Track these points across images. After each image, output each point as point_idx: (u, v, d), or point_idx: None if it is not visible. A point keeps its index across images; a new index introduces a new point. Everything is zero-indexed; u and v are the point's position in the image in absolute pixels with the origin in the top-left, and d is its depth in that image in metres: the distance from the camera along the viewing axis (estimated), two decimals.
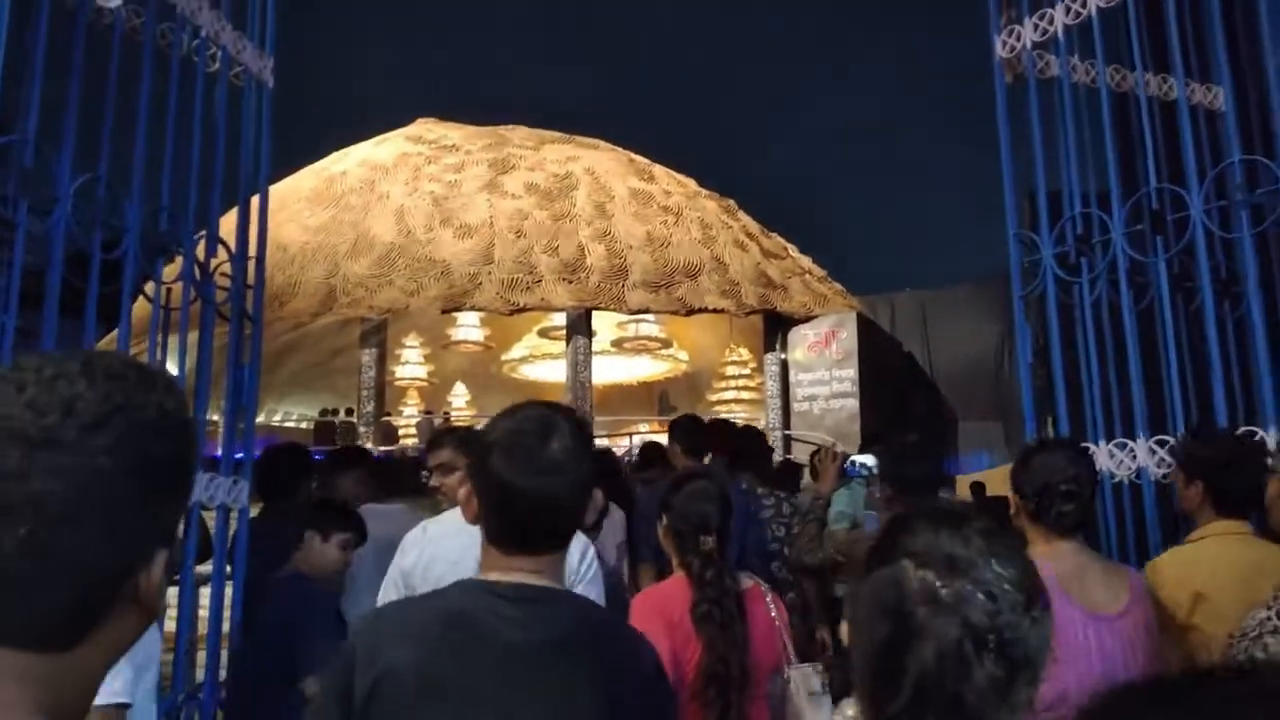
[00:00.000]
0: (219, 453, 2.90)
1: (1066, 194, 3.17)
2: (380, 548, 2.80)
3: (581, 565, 2.56)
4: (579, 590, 2.10)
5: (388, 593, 2.48)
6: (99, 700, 1.70)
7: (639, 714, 1.43)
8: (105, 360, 0.72)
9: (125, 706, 1.84)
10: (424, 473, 3.13)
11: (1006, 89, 3.26)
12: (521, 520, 1.44)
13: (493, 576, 1.44)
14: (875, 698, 0.99)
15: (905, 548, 1.01)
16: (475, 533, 1.60)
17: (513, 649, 1.38)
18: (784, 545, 3.91)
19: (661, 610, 2.27)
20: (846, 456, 3.64)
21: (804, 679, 2.48)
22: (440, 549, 2.47)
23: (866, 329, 14.65)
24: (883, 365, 15.02)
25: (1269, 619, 1.49)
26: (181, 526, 2.91)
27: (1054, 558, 2.05)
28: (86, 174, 2.20)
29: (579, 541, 2.45)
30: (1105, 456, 2.85)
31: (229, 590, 2.88)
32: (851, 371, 14.07)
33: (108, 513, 0.68)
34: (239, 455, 2.93)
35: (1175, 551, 2.48)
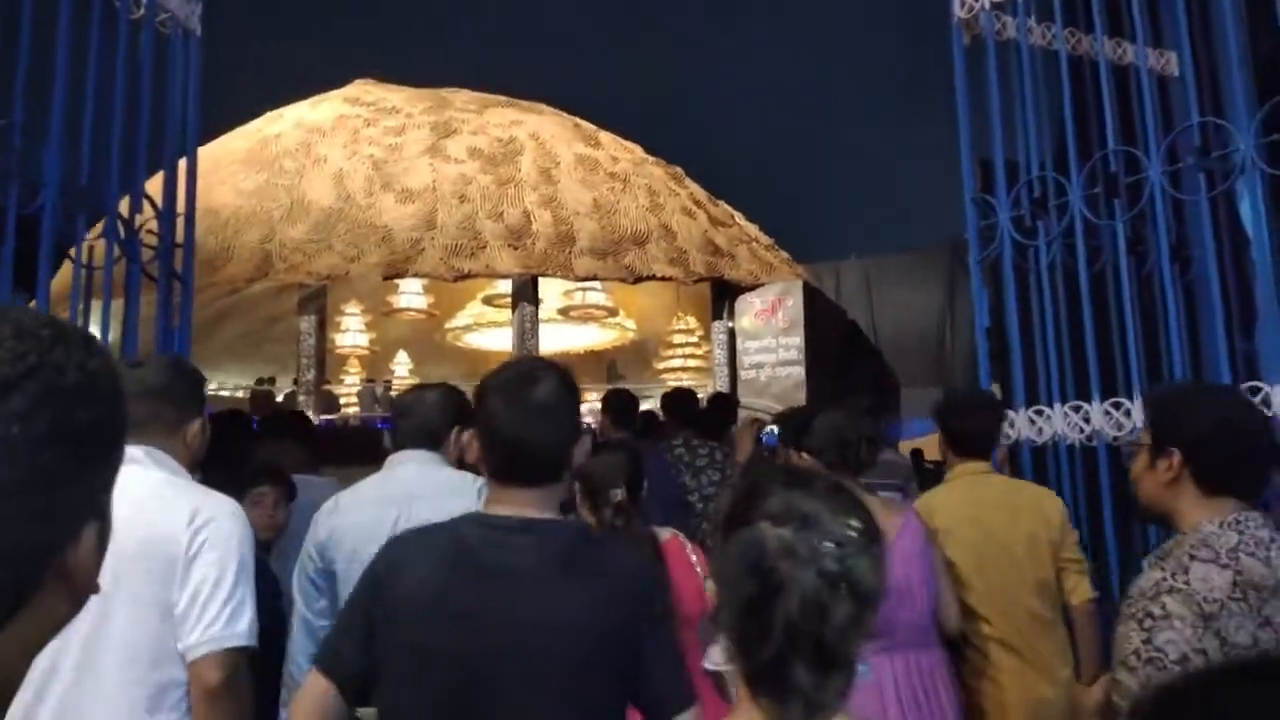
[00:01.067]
0: None
1: (1023, 157, 3.15)
2: (308, 519, 2.70)
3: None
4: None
5: (303, 568, 2.39)
6: (215, 645, 1.85)
7: (629, 624, 1.58)
8: (14, 315, 0.63)
9: (246, 650, 1.93)
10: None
11: (964, 50, 3.23)
12: (513, 454, 1.63)
13: (490, 510, 1.65)
14: (745, 648, 1.08)
15: (762, 510, 1.10)
16: (390, 500, 1.79)
17: (506, 571, 1.56)
18: (716, 491, 4.10)
19: None
20: (763, 425, 3.73)
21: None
22: (350, 520, 2.39)
23: (813, 297, 14.74)
24: (828, 333, 15.14)
25: (1164, 580, 1.57)
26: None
27: None
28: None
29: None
30: (1060, 419, 2.86)
31: None
32: (798, 339, 14.15)
33: (27, 486, 0.61)
34: None
35: (930, 492, 3.01)
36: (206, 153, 15.17)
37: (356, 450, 5.61)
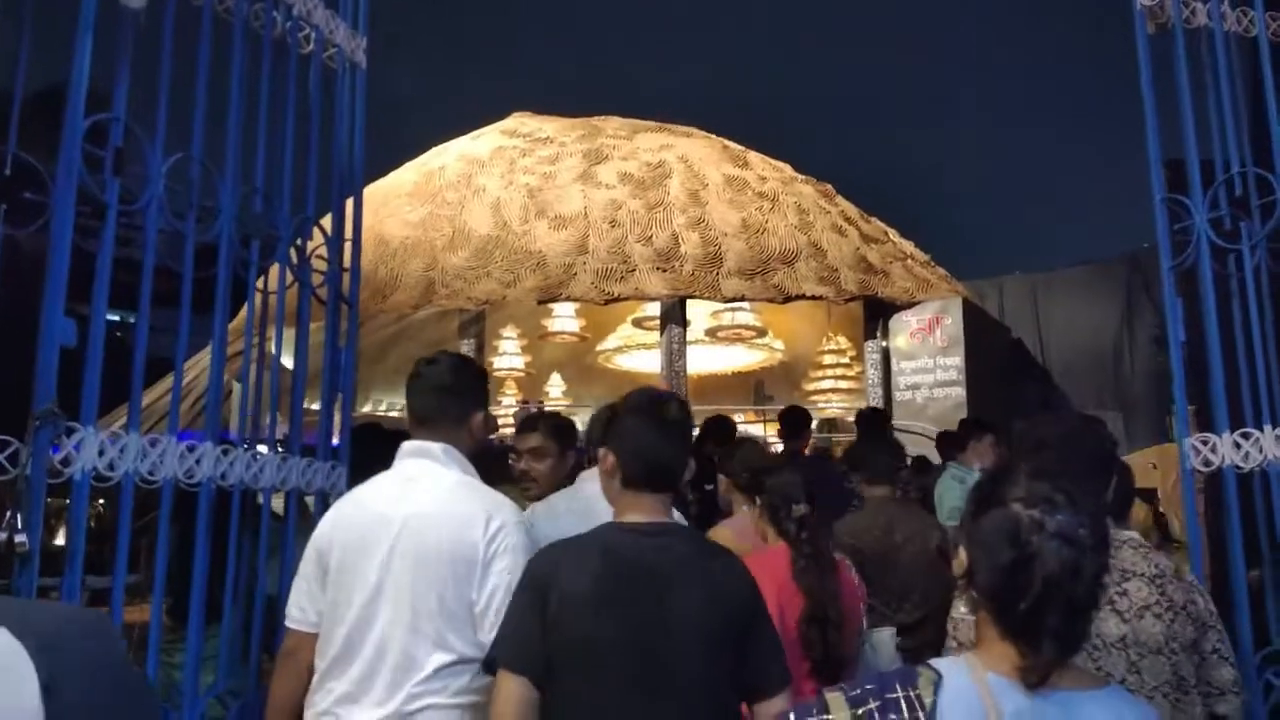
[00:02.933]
0: (316, 439, 2.88)
1: (1219, 156, 2.84)
2: None
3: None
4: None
5: (306, 568, 2.36)
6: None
7: (740, 614, 1.91)
8: None
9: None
10: (511, 457, 3.12)
11: (1149, 40, 2.95)
12: (648, 463, 1.97)
13: (627, 518, 1.98)
14: (1003, 602, 1.40)
15: (1011, 495, 1.43)
16: (385, 516, 2.14)
17: (647, 569, 1.86)
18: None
19: (770, 570, 2.64)
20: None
21: (879, 642, 3.08)
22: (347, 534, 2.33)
23: (973, 315, 14.03)
24: (991, 353, 14.36)
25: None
26: (284, 509, 2.90)
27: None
28: (179, 153, 2.17)
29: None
30: (1272, 443, 2.54)
31: None
32: (957, 359, 13.49)
33: None
34: (336, 442, 2.91)
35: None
36: (378, 187, 16.18)
37: (504, 469, 5.86)
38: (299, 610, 2.26)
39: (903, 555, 3.77)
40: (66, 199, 1.88)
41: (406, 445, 2.37)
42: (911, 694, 1.40)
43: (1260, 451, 2.50)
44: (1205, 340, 2.68)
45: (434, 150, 16.40)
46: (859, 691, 1.44)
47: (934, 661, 1.49)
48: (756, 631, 1.93)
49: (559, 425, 3.19)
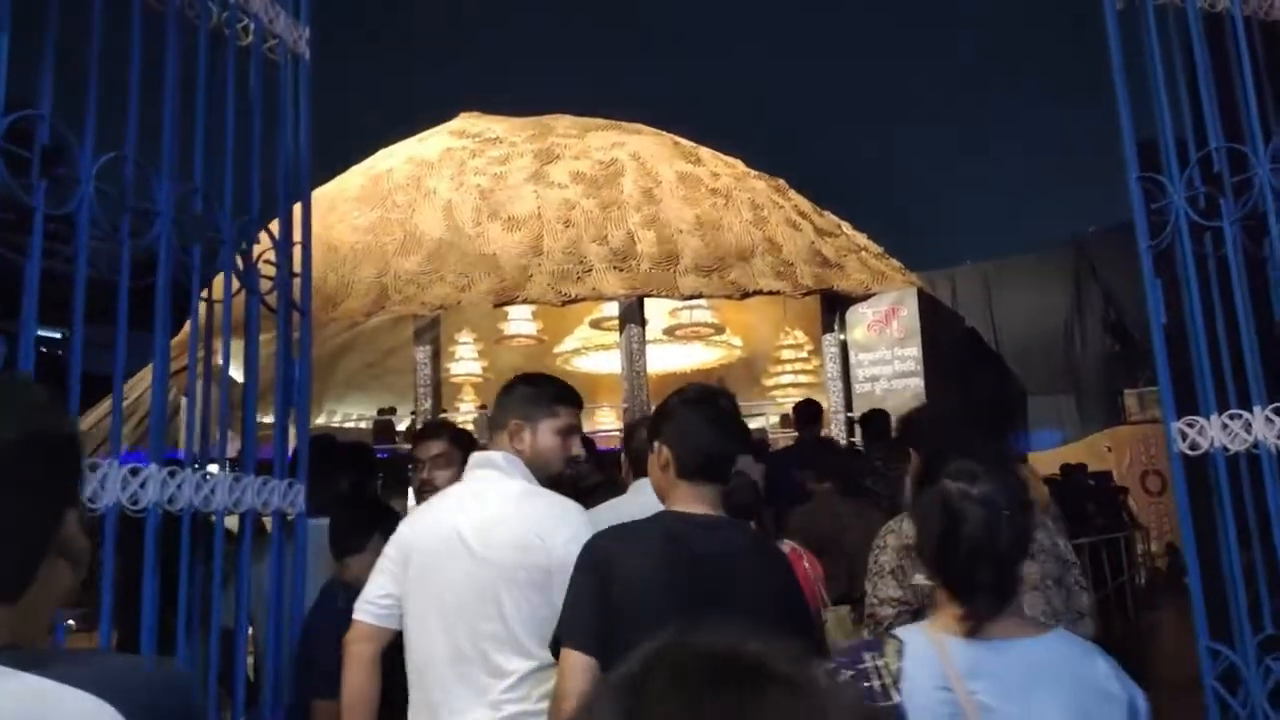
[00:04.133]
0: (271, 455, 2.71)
1: (1191, 134, 2.81)
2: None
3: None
4: None
5: (386, 564, 2.38)
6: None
7: (786, 604, 2.01)
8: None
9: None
10: (410, 466, 3.00)
11: (1118, 16, 2.90)
12: (703, 454, 2.03)
13: (681, 509, 2.03)
14: (941, 564, 1.63)
15: (944, 472, 1.64)
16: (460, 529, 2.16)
17: (705, 558, 1.92)
18: None
19: None
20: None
21: (838, 618, 3.35)
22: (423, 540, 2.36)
23: (929, 305, 14.15)
24: (946, 342, 14.49)
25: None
26: (239, 531, 2.73)
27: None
28: (111, 152, 1.99)
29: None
30: (1262, 424, 2.50)
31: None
32: (915, 350, 13.59)
33: (21, 487, 0.86)
34: (292, 457, 2.73)
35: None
36: (324, 192, 15.79)
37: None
38: (372, 604, 2.25)
39: (847, 539, 4.22)
40: None
41: (475, 456, 2.42)
42: (879, 662, 1.58)
43: (1249, 432, 2.47)
44: (1185, 321, 2.64)
45: (380, 153, 16.07)
46: (833, 665, 1.62)
47: (897, 630, 1.68)
48: (806, 626, 2.09)
49: (460, 432, 3.14)
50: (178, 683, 1.01)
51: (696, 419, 2.06)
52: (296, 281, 2.69)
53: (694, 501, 2.04)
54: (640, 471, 2.98)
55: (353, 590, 2.51)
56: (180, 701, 0.95)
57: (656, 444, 2.09)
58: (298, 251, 2.72)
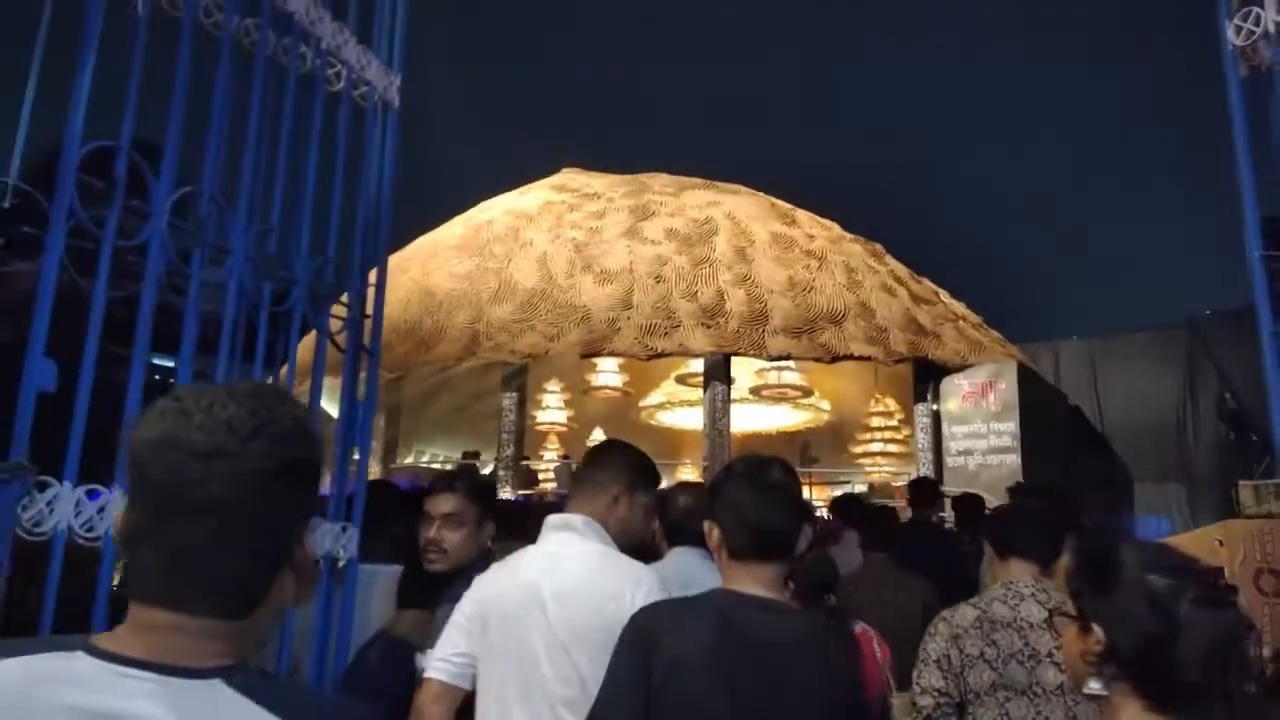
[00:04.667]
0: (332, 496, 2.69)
1: None
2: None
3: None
4: None
5: (461, 621, 2.28)
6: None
7: (852, 699, 1.87)
8: (243, 385, 0.94)
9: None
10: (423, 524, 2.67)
11: (1241, 83, 2.71)
12: (754, 532, 1.88)
13: (738, 588, 1.88)
14: (1149, 681, 1.44)
15: (1138, 566, 1.48)
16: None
17: (771, 645, 1.78)
18: None
19: None
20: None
21: (903, 704, 3.03)
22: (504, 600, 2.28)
23: (1028, 380, 13.57)
24: (1046, 419, 13.84)
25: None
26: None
27: None
28: (187, 187, 2.03)
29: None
30: None
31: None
32: (1012, 425, 13.01)
33: (266, 503, 0.90)
34: (350, 499, 2.71)
35: None
36: (427, 239, 16.33)
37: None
38: (446, 661, 2.19)
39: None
40: (56, 231, 1.75)
41: (554, 519, 2.36)
42: None
43: None
44: None
45: (482, 205, 16.55)
46: None
47: None
48: (864, 715, 1.95)
49: (480, 486, 2.83)
50: (359, 714, 1.08)
51: (744, 493, 1.92)
52: (368, 324, 2.70)
53: (751, 582, 1.89)
54: (676, 540, 2.95)
55: (395, 645, 2.44)
56: None
57: (708, 524, 1.97)
58: (373, 294, 2.75)
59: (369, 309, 2.69)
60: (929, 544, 5.47)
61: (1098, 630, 1.47)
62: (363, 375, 2.67)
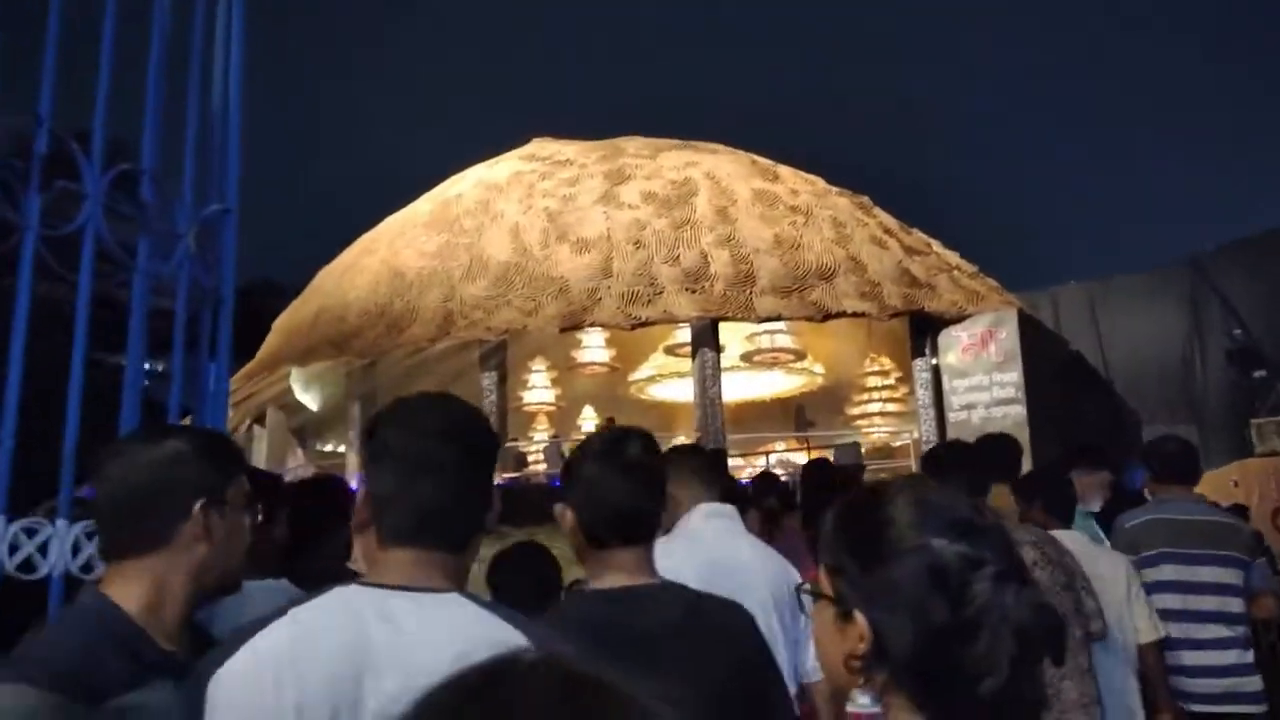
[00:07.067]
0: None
1: None
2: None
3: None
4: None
5: None
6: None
7: (749, 680, 1.73)
8: (451, 398, 1.37)
9: None
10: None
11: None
12: (613, 514, 1.73)
13: (599, 584, 1.73)
14: (932, 691, 1.07)
15: (915, 526, 1.13)
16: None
17: (642, 638, 1.65)
18: None
19: None
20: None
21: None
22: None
23: (1029, 327, 13.01)
24: (1049, 367, 13.30)
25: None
26: None
27: None
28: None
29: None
30: None
31: None
32: (1015, 375, 12.47)
33: (476, 471, 1.31)
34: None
35: None
36: (395, 219, 15.66)
37: (536, 510, 5.57)
38: None
39: None
40: None
41: (710, 506, 2.42)
42: None
43: None
44: None
45: (451, 179, 15.89)
46: None
47: None
48: (769, 696, 1.76)
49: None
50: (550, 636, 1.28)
51: (600, 473, 1.71)
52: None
53: (613, 571, 1.70)
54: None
55: None
56: None
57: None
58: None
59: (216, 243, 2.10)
60: None
61: (861, 621, 1.02)
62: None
